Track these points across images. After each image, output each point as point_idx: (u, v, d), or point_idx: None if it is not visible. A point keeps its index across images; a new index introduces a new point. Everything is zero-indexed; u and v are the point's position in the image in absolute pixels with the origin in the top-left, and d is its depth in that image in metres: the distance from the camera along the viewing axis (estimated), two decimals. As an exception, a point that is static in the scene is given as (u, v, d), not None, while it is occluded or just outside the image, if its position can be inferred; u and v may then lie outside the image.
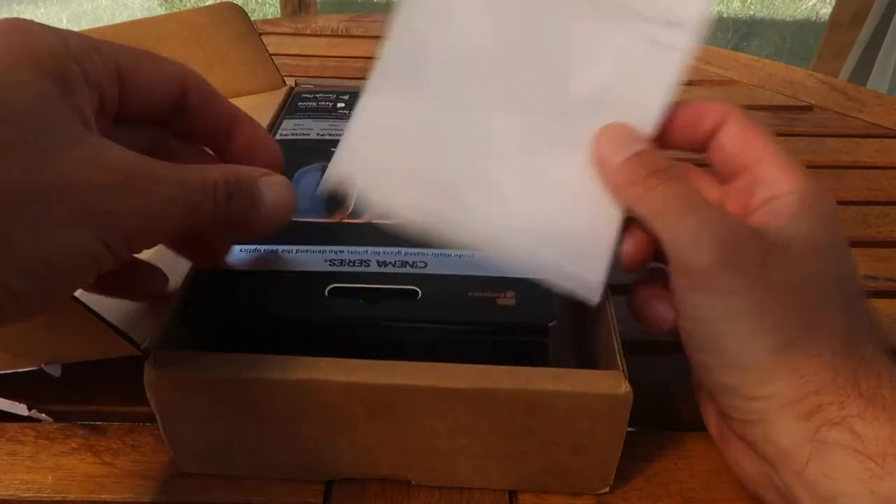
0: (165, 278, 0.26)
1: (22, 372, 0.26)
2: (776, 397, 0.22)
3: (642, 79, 0.25)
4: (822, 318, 0.23)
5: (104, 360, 0.25)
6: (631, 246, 0.26)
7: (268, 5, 2.70)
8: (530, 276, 0.24)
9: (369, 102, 0.25)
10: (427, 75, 0.25)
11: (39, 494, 0.26)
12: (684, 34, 0.25)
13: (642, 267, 0.27)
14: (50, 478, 0.27)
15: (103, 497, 0.26)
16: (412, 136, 0.25)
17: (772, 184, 0.25)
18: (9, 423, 0.29)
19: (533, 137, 0.25)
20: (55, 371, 0.26)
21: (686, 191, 0.24)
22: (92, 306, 0.22)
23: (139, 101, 0.23)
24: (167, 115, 0.25)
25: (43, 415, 0.29)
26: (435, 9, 0.26)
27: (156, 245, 0.22)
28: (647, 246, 0.26)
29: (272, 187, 0.24)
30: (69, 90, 0.20)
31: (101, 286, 0.24)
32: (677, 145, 0.26)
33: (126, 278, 0.25)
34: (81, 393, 0.30)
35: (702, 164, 0.28)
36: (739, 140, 0.26)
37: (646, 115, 0.25)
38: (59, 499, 0.26)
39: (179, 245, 0.26)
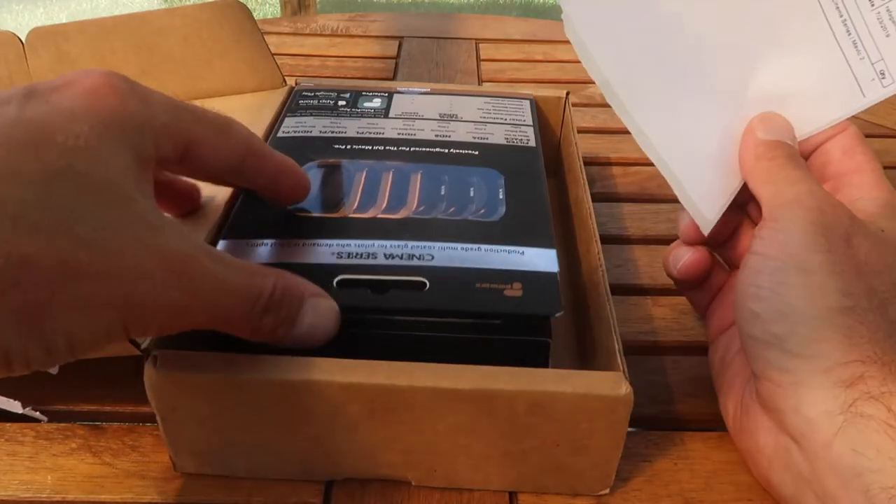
0: (199, 192, 0.28)
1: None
2: (820, 358, 0.22)
3: (820, 101, 0.27)
4: (884, 302, 0.23)
5: (103, 359, 0.25)
6: (691, 259, 0.28)
7: (268, 5, 2.71)
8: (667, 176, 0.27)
9: None
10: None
11: (39, 495, 0.26)
12: (882, 89, 0.27)
13: (692, 278, 0.29)
14: (49, 478, 0.27)
15: (103, 497, 0.26)
16: (639, 14, 0.26)
17: (861, 188, 0.26)
18: (8, 424, 0.29)
19: (708, 91, 0.27)
20: (53, 368, 0.26)
21: (808, 175, 0.25)
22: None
23: (196, 168, 0.24)
24: (214, 177, 0.26)
25: (37, 413, 0.29)
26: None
27: (169, 334, 0.22)
28: (706, 263, 0.28)
29: (316, 310, 0.23)
30: (143, 166, 0.20)
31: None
32: None
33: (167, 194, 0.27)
34: (81, 393, 0.30)
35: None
36: (847, 150, 0.27)
37: (802, 132, 0.27)
38: (59, 499, 0.26)
39: None
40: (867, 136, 0.55)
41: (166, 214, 0.21)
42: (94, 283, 0.18)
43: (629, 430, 0.24)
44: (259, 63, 0.43)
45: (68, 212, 0.18)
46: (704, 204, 0.27)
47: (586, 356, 0.29)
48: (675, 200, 0.27)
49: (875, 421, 0.21)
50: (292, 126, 0.35)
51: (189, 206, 0.29)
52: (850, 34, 0.27)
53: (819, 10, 0.27)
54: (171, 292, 0.19)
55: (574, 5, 0.25)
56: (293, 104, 0.37)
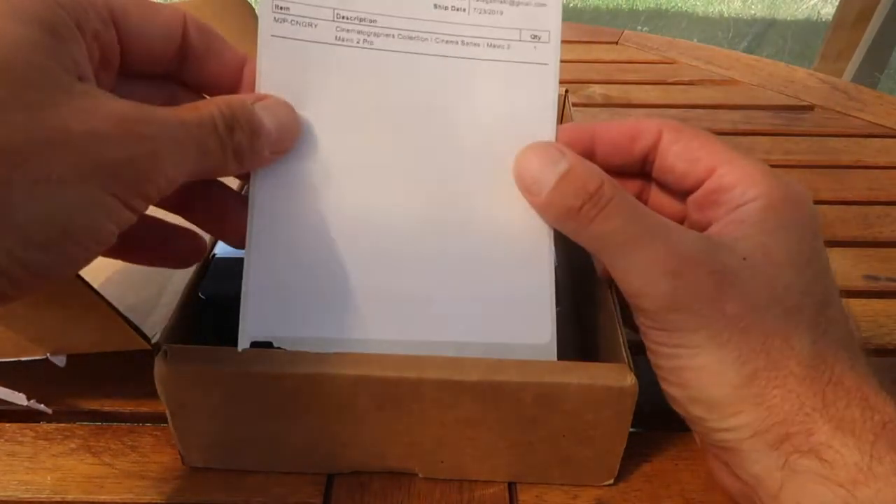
0: (203, 241, 0.26)
1: (25, 364, 0.26)
2: (743, 428, 0.22)
3: (524, 102, 0.25)
4: (785, 343, 0.22)
5: (104, 359, 0.26)
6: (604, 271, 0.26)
7: (266, 5, 2.70)
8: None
9: (255, 256, 0.24)
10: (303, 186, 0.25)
11: (38, 495, 0.26)
12: (549, 45, 0.26)
13: None
14: (49, 478, 0.27)
15: (102, 498, 0.26)
16: (312, 277, 0.24)
17: (736, 191, 0.23)
18: (8, 424, 0.29)
19: (435, 209, 0.25)
20: (60, 362, 0.26)
21: (628, 216, 0.23)
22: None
23: (139, 48, 0.23)
24: (172, 64, 0.24)
25: (42, 405, 0.29)
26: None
27: (169, 192, 0.21)
28: None
29: (270, 110, 0.23)
30: (60, 39, 0.19)
31: (131, 252, 0.24)
32: (608, 171, 0.24)
33: (161, 244, 0.25)
34: (80, 393, 0.30)
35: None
36: (686, 155, 0.24)
37: (540, 139, 0.25)
38: (58, 499, 0.26)
39: (196, 214, 0.26)
40: (866, 136, 0.55)
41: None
42: (46, 160, 0.17)
43: (630, 430, 0.24)
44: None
45: None
46: (531, 334, 0.25)
47: (589, 350, 0.30)
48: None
49: (811, 474, 0.21)
50: None
51: (183, 256, 0.26)
52: (479, 45, 0.25)
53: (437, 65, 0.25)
54: (134, 145, 0.19)
55: None
56: None
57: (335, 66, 0.25)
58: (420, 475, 0.27)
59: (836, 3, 1.49)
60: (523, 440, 0.25)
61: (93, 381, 0.30)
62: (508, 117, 0.25)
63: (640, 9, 2.65)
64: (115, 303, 0.23)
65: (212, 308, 0.27)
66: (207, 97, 0.25)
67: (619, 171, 0.25)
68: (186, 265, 0.26)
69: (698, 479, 0.28)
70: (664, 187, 0.26)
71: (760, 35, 2.37)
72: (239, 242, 0.25)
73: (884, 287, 0.39)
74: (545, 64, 0.26)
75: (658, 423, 0.30)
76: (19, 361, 0.26)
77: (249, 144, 0.23)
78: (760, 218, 0.23)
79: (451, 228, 0.25)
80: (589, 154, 0.25)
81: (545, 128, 0.25)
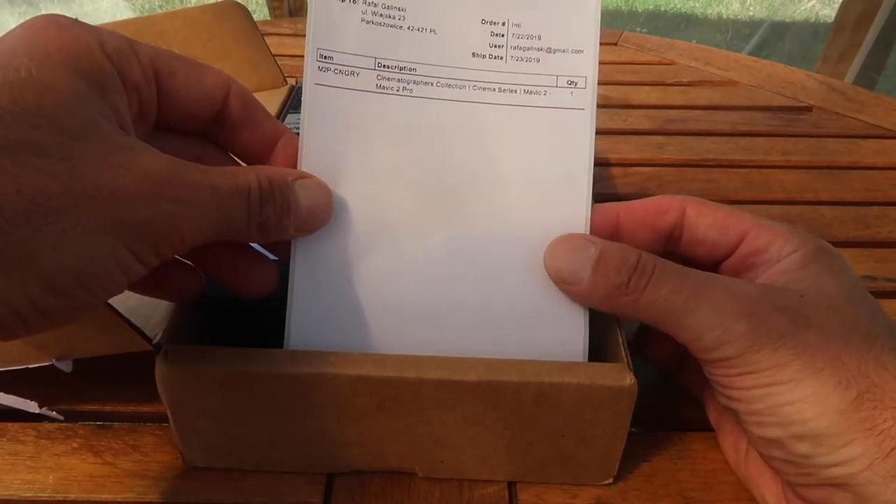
0: (202, 279, 0.26)
1: (32, 369, 0.26)
2: (857, 460, 0.21)
3: (560, 145, 0.26)
4: (880, 367, 0.21)
5: (105, 359, 0.25)
6: (655, 353, 0.28)
7: (267, 8, 2.71)
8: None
9: (302, 269, 0.25)
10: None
11: (40, 494, 0.26)
12: (585, 91, 0.26)
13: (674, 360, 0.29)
14: (51, 478, 0.27)
15: (104, 497, 0.26)
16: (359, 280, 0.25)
17: (772, 249, 0.25)
18: (10, 423, 0.29)
19: (467, 240, 0.26)
20: (66, 367, 0.26)
21: (679, 276, 0.23)
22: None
23: (178, 107, 0.23)
24: (208, 126, 0.24)
25: (53, 412, 0.29)
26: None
27: (185, 251, 0.21)
28: (668, 346, 0.28)
29: (308, 190, 0.24)
30: (104, 91, 0.20)
31: (135, 285, 0.24)
32: (638, 246, 0.25)
33: (161, 278, 0.25)
34: (82, 393, 0.30)
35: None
36: (715, 224, 0.26)
37: (577, 182, 0.26)
38: (60, 498, 0.26)
39: (206, 263, 0.26)
40: (864, 136, 0.55)
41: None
42: (75, 213, 0.17)
43: (629, 430, 0.24)
44: (260, 63, 0.43)
45: (26, 149, 0.17)
46: (566, 350, 0.25)
47: (588, 350, 0.30)
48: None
49: None
50: (295, 122, 0.37)
51: (184, 292, 0.26)
52: (516, 91, 0.26)
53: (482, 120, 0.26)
54: (165, 205, 0.19)
55: None
56: (296, 100, 0.38)
57: (376, 112, 0.25)
58: (420, 475, 0.27)
59: (836, 6, 1.48)
60: (523, 440, 0.25)
61: (94, 382, 0.30)
62: (545, 160, 0.26)
63: (639, 10, 2.65)
64: (116, 306, 0.23)
65: (212, 308, 0.27)
66: (241, 162, 0.26)
67: (643, 249, 0.25)
68: (183, 299, 0.26)
69: (697, 478, 0.28)
70: (692, 260, 0.26)
71: (759, 37, 2.37)
72: (249, 294, 0.25)
73: (881, 287, 0.39)
74: (581, 109, 0.26)
75: (657, 423, 0.30)
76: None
77: (277, 220, 0.23)
78: (803, 265, 0.24)
79: (484, 255, 0.26)
80: (616, 232, 0.26)
81: (580, 170, 0.26)
